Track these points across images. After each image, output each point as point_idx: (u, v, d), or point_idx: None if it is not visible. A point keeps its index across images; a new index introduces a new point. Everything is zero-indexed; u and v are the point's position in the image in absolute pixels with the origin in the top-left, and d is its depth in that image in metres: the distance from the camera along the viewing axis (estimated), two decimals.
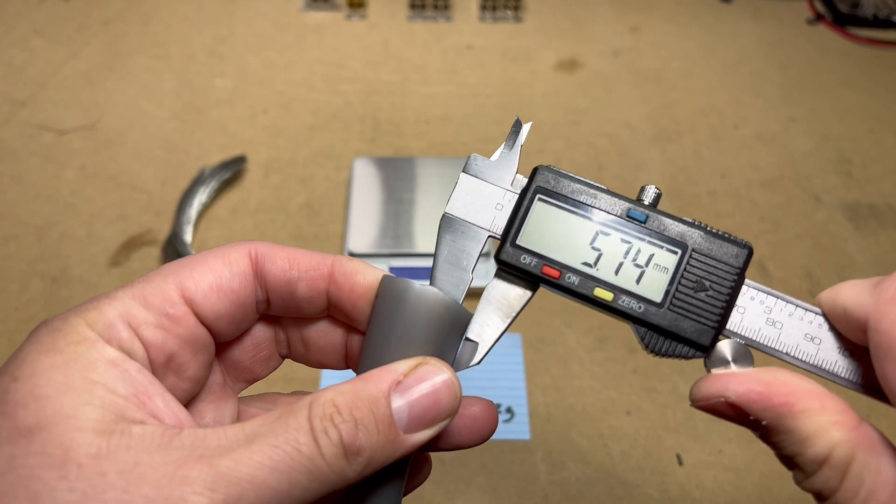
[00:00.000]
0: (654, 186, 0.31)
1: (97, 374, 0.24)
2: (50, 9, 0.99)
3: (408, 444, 0.26)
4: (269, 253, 0.29)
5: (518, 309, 0.31)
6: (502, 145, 0.33)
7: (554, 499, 0.55)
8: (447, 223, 0.32)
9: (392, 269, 0.68)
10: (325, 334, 0.32)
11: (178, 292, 0.28)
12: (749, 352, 0.29)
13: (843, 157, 0.85)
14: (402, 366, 0.27)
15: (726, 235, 0.30)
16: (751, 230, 0.76)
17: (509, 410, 0.60)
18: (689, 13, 1.05)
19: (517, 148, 0.32)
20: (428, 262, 0.68)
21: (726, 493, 0.56)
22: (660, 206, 0.32)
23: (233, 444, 0.23)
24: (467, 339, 0.31)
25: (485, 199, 0.32)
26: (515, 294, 0.31)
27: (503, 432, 0.59)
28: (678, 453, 0.58)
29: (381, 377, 0.26)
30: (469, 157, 0.32)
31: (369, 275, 0.30)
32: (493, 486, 0.56)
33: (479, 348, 0.31)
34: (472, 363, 0.31)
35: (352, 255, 0.69)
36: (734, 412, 0.28)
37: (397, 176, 0.77)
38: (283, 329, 0.33)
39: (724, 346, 0.29)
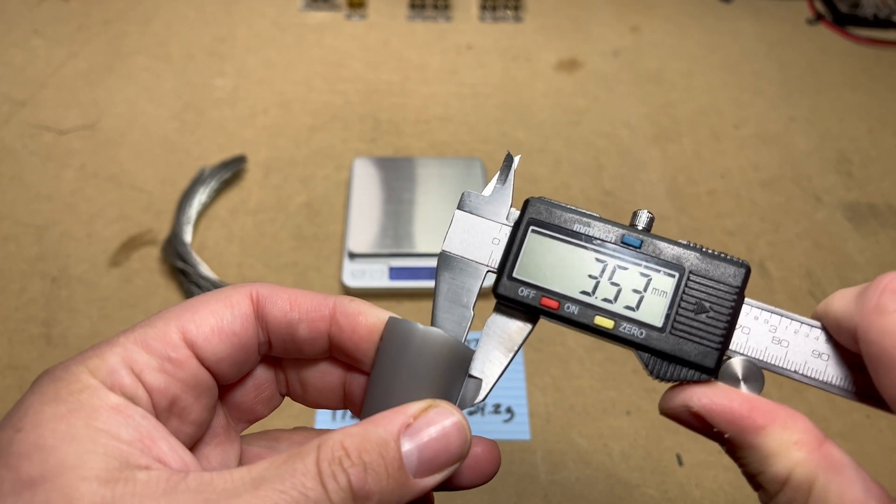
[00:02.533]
0: (646, 211, 0.31)
1: (101, 422, 0.24)
2: (50, 9, 0.99)
3: (417, 488, 0.26)
4: (271, 294, 0.29)
5: (519, 342, 0.31)
6: (494, 178, 0.33)
7: (554, 499, 0.55)
8: (445, 261, 0.32)
9: (392, 269, 0.68)
10: (323, 375, 0.32)
11: (180, 335, 0.27)
12: (761, 372, 0.29)
13: (843, 157, 0.85)
14: (411, 408, 0.27)
15: (723, 255, 0.30)
16: (751, 230, 0.76)
17: (509, 410, 0.60)
18: (689, 13, 1.05)
19: (510, 182, 0.33)
20: (428, 263, 0.68)
21: (726, 493, 0.56)
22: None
23: (239, 488, 0.23)
24: (471, 376, 0.31)
25: (481, 234, 0.32)
26: (516, 327, 0.31)
27: (503, 432, 0.59)
28: (678, 453, 0.58)
29: (390, 420, 0.26)
30: (462, 193, 0.32)
31: (371, 315, 0.30)
32: (493, 486, 0.56)
33: (483, 385, 0.31)
34: (477, 401, 0.31)
35: (352, 255, 0.69)
36: (699, 423, 0.28)
37: (397, 176, 0.77)
38: (282, 370, 0.33)
39: (736, 365, 0.29)
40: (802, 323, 0.29)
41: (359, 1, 1.01)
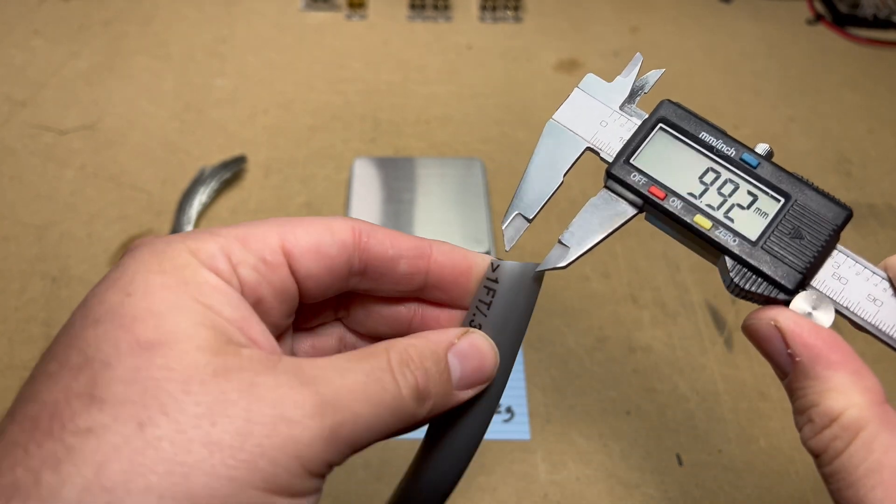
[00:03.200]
0: (766, 145, 0.33)
1: (205, 297, 0.25)
2: (50, 9, 0.99)
3: (456, 399, 0.30)
4: (372, 231, 0.31)
5: (617, 225, 0.32)
6: (622, 73, 0.35)
7: (554, 498, 0.55)
8: (552, 129, 0.34)
9: None
10: (396, 310, 0.34)
11: (279, 243, 0.28)
12: (833, 315, 0.30)
13: (843, 157, 0.85)
14: (453, 331, 0.30)
15: (831, 196, 0.32)
16: None
17: (509, 410, 0.60)
18: (689, 13, 1.05)
19: (632, 77, 0.35)
20: None
21: (726, 493, 0.56)
22: None
23: (327, 373, 0.25)
24: (560, 242, 0.32)
25: (591, 113, 0.34)
26: (618, 210, 0.33)
27: (503, 432, 0.59)
28: (678, 453, 0.58)
29: (439, 338, 0.30)
30: (587, 75, 0.35)
31: (470, 256, 0.33)
32: (493, 485, 0.56)
33: (570, 253, 0.32)
34: (560, 265, 0.32)
35: None
36: (774, 343, 0.29)
37: (397, 176, 0.77)
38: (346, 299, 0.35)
39: (814, 296, 0.30)
40: (865, 267, 0.31)
41: (359, 1, 1.01)
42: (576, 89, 0.35)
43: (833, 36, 1.02)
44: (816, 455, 0.28)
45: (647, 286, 0.69)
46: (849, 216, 0.31)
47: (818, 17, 1.04)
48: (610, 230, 0.32)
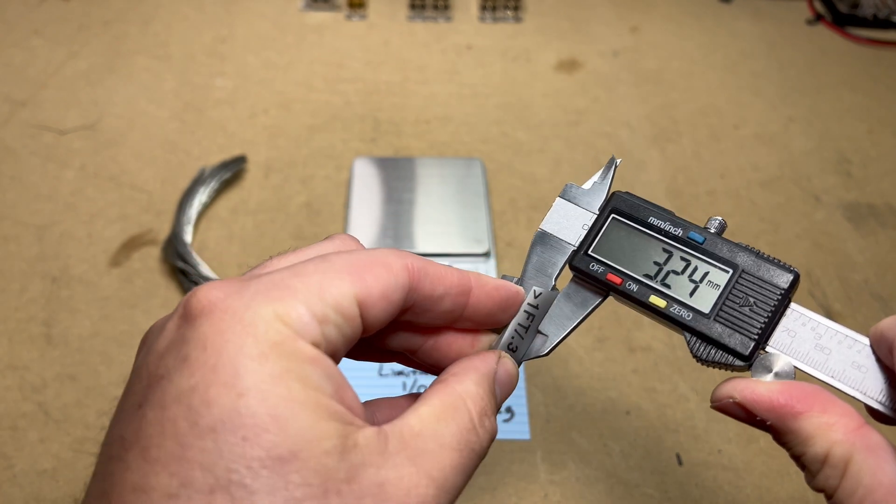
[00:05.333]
0: (720, 218, 0.35)
1: (312, 378, 0.24)
2: (50, 9, 0.99)
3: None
4: (423, 268, 0.30)
5: (587, 312, 0.36)
6: (597, 174, 0.38)
7: (554, 498, 0.55)
8: (540, 237, 0.37)
9: None
10: (415, 336, 0.35)
11: (354, 293, 0.27)
12: (793, 370, 0.31)
13: (843, 157, 0.85)
14: (491, 359, 0.32)
15: (776, 261, 0.33)
16: (750, 230, 0.76)
17: (509, 410, 0.60)
18: (688, 13, 1.05)
19: (608, 179, 0.38)
20: None
21: (726, 492, 0.56)
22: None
23: (430, 446, 0.27)
24: (539, 332, 0.36)
25: (574, 220, 0.37)
26: (585, 298, 0.36)
27: (503, 432, 0.59)
28: (678, 453, 0.58)
29: (487, 369, 0.32)
30: (566, 185, 0.38)
31: (503, 288, 0.34)
32: (493, 485, 0.56)
33: (549, 341, 0.36)
34: (542, 353, 0.36)
35: None
36: (744, 413, 0.31)
37: (397, 176, 0.77)
38: None
39: (772, 359, 0.32)
40: (847, 336, 0.32)
41: (359, 1, 1.01)
42: (557, 199, 0.38)
43: (833, 36, 1.02)
44: (821, 492, 0.29)
45: None
46: (795, 279, 0.32)
47: (818, 17, 1.04)
48: (582, 316, 0.36)
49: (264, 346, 0.24)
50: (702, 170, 0.82)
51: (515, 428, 0.59)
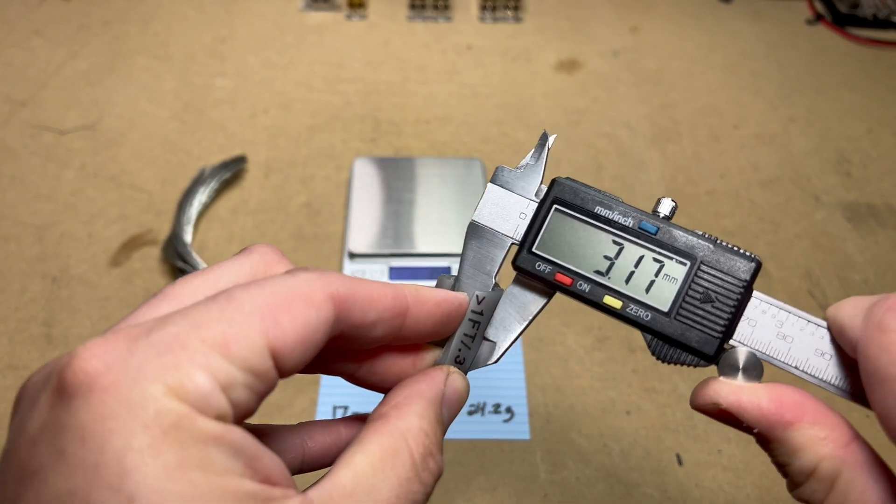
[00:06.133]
0: (670, 199, 0.32)
1: (218, 464, 0.21)
2: (50, 9, 0.99)
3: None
4: (350, 295, 0.26)
5: (534, 313, 0.33)
6: (528, 155, 0.34)
7: (554, 498, 0.55)
8: (473, 230, 0.33)
9: (392, 269, 0.68)
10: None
11: (265, 343, 0.23)
12: (761, 364, 0.30)
13: (843, 158, 0.85)
14: (439, 378, 0.29)
15: (736, 249, 0.31)
16: (750, 230, 0.76)
17: (509, 410, 0.60)
18: (688, 13, 1.05)
19: (542, 160, 0.34)
20: (428, 263, 0.68)
21: (726, 492, 0.56)
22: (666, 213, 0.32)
23: None
24: (486, 339, 0.33)
25: (509, 208, 0.33)
26: (531, 299, 0.33)
27: (503, 432, 0.59)
28: (678, 453, 0.58)
29: (434, 393, 0.29)
30: (496, 168, 0.34)
31: (443, 301, 0.30)
32: (493, 486, 0.56)
33: (496, 349, 0.33)
34: (490, 362, 0.33)
35: (352, 255, 0.69)
36: (729, 417, 0.29)
37: (397, 176, 0.77)
38: None
39: (738, 354, 0.30)
40: (809, 321, 0.30)
41: (359, 1, 1.01)
42: (489, 185, 0.33)
43: (833, 36, 1.02)
44: (802, 503, 0.28)
45: None
46: (757, 267, 0.30)
47: (818, 17, 1.04)
48: (530, 318, 0.33)
49: (156, 432, 0.20)
50: (702, 170, 0.82)
51: (515, 428, 0.59)
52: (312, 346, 0.24)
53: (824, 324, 0.30)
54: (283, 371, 0.24)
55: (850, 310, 0.27)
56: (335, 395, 0.61)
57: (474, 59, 0.96)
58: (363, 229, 0.71)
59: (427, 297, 0.29)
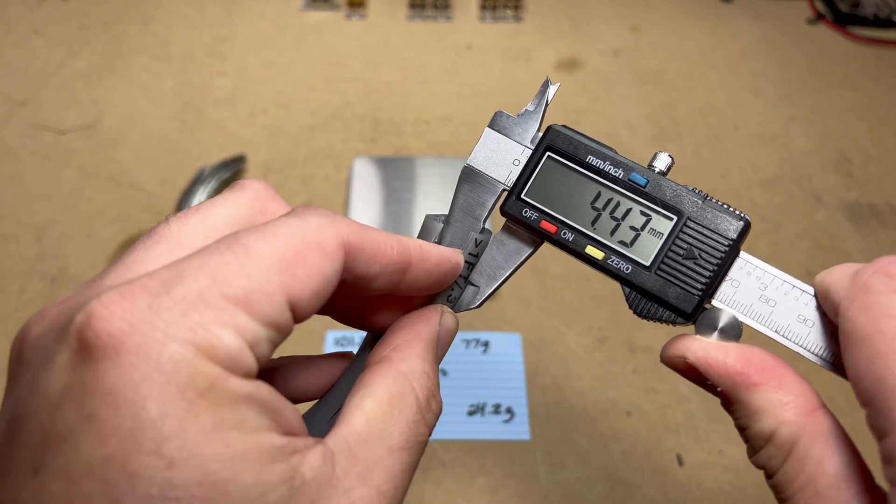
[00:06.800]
0: (667, 154, 0.31)
1: (250, 422, 0.21)
2: (50, 9, 0.99)
3: None
4: (360, 244, 0.25)
5: (520, 261, 0.33)
6: (531, 102, 0.33)
7: (554, 499, 0.55)
8: (467, 173, 0.33)
9: None
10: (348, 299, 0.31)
11: (285, 297, 0.22)
12: (740, 327, 0.29)
13: (844, 157, 0.85)
14: (434, 317, 0.30)
15: (725, 207, 0.30)
16: (751, 230, 0.75)
17: (509, 410, 0.60)
18: (689, 13, 1.05)
19: (541, 107, 0.33)
20: None
21: (726, 493, 0.56)
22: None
23: (378, 453, 0.24)
24: (470, 283, 0.32)
25: (505, 153, 0.33)
26: (518, 247, 0.33)
27: (503, 432, 0.59)
28: (678, 454, 0.58)
29: (430, 333, 0.29)
30: (496, 112, 0.33)
31: (443, 260, 0.30)
32: (493, 486, 0.56)
33: (480, 293, 0.33)
34: (472, 306, 0.33)
35: None
36: (695, 373, 0.28)
37: (397, 176, 0.77)
38: None
39: (717, 314, 0.29)
40: (794, 286, 0.29)
41: (359, 1, 1.01)
42: (486, 129, 0.33)
43: (834, 35, 1.02)
44: (760, 469, 0.28)
45: None
46: (745, 227, 0.29)
47: (819, 17, 1.04)
48: (515, 265, 0.33)
49: (191, 396, 0.20)
50: (702, 169, 0.82)
51: (515, 428, 0.59)
52: (325, 296, 0.24)
53: (810, 289, 0.29)
54: (298, 320, 0.24)
55: (838, 274, 0.27)
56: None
57: (474, 59, 0.96)
58: None
59: (429, 255, 0.29)
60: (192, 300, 0.21)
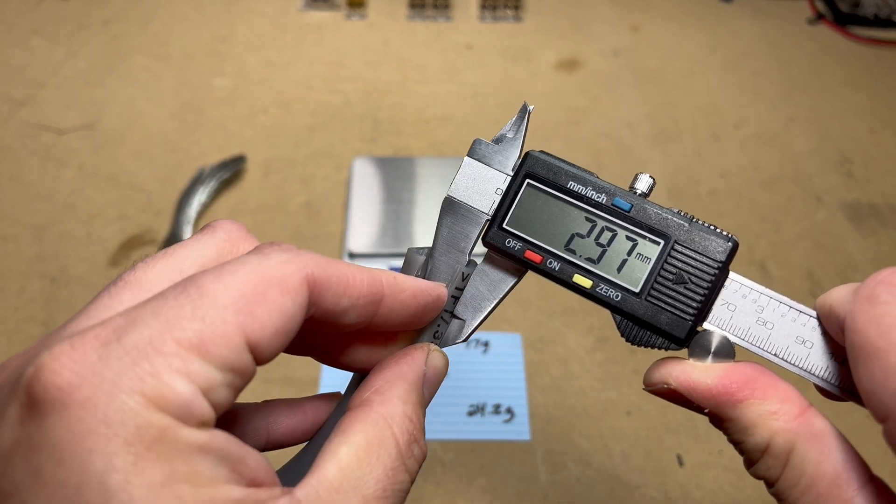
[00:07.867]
0: (648, 175, 0.31)
1: (205, 474, 0.20)
2: (49, 8, 0.99)
3: None
4: (326, 278, 0.24)
5: (504, 291, 0.32)
6: (507, 125, 0.33)
7: (554, 499, 0.55)
8: (448, 205, 0.32)
9: (392, 269, 0.68)
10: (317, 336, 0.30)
11: (243, 338, 0.21)
12: (733, 349, 0.29)
13: (844, 157, 0.84)
14: (419, 358, 0.28)
15: (712, 228, 0.29)
16: (751, 230, 0.75)
17: (509, 411, 0.60)
18: (689, 13, 1.05)
19: (521, 133, 0.32)
20: None
21: (727, 493, 0.56)
22: (657, 202, 0.31)
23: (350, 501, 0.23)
24: (455, 316, 0.32)
25: (486, 183, 0.32)
26: (502, 277, 0.32)
27: (503, 433, 0.59)
28: (679, 454, 0.58)
29: (415, 375, 0.28)
30: (474, 141, 0.32)
31: (419, 293, 0.29)
32: (494, 486, 0.56)
33: (465, 327, 0.32)
34: (458, 341, 0.32)
35: (351, 254, 0.69)
36: (679, 397, 0.28)
37: (397, 176, 0.76)
38: None
39: (710, 337, 0.29)
40: (791, 307, 0.29)
41: (358, 1, 1.01)
42: (466, 158, 0.32)
43: (834, 35, 1.02)
44: (759, 480, 0.27)
45: None
46: (733, 248, 0.29)
47: (819, 17, 1.04)
48: (500, 296, 0.32)
49: (138, 448, 0.19)
50: (703, 169, 0.82)
51: (515, 429, 0.59)
52: (289, 334, 0.23)
53: (808, 311, 0.29)
54: (260, 362, 0.23)
55: (839, 291, 0.27)
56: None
57: (474, 59, 0.95)
58: (363, 229, 0.71)
59: (403, 287, 0.28)
60: (142, 347, 0.20)
